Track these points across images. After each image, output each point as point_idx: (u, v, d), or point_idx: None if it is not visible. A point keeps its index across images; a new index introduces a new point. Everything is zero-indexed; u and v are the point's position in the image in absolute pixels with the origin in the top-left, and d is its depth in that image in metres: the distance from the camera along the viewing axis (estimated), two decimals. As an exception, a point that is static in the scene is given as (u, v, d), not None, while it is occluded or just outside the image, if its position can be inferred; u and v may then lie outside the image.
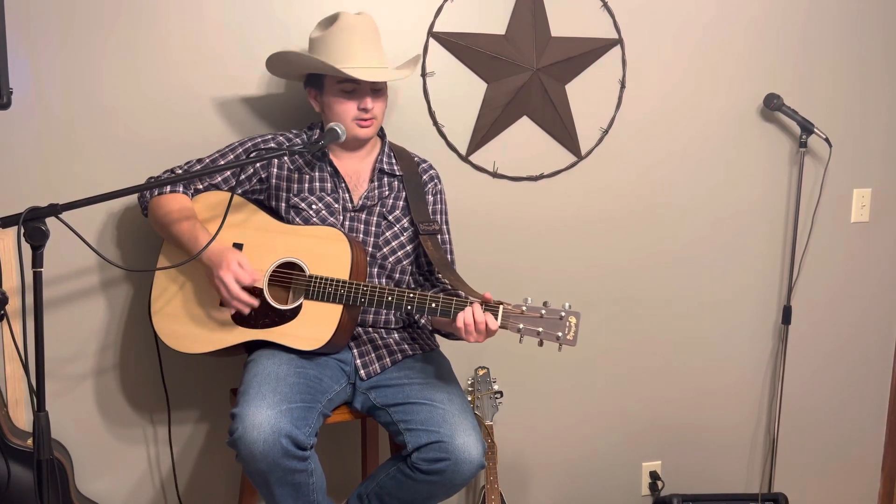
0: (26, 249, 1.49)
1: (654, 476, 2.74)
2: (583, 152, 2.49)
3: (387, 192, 2.02)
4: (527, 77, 2.37)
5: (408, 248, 2.02)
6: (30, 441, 1.97)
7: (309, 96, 2.01)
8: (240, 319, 1.89)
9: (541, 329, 1.72)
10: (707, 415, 2.77)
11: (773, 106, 2.58)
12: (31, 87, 2.02)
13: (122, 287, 2.17)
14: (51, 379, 2.11)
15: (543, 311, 1.72)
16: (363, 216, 1.99)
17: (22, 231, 1.49)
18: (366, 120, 1.94)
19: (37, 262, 1.49)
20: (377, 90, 1.96)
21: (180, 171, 1.97)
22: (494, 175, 2.42)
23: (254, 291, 1.86)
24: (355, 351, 1.96)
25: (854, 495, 2.99)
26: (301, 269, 1.86)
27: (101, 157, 2.10)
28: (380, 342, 1.98)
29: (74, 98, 2.06)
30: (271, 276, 1.88)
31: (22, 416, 2.11)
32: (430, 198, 2.08)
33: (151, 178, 1.99)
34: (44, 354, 1.51)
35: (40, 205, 1.52)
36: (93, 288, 2.15)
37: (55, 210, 1.52)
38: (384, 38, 2.13)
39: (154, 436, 2.27)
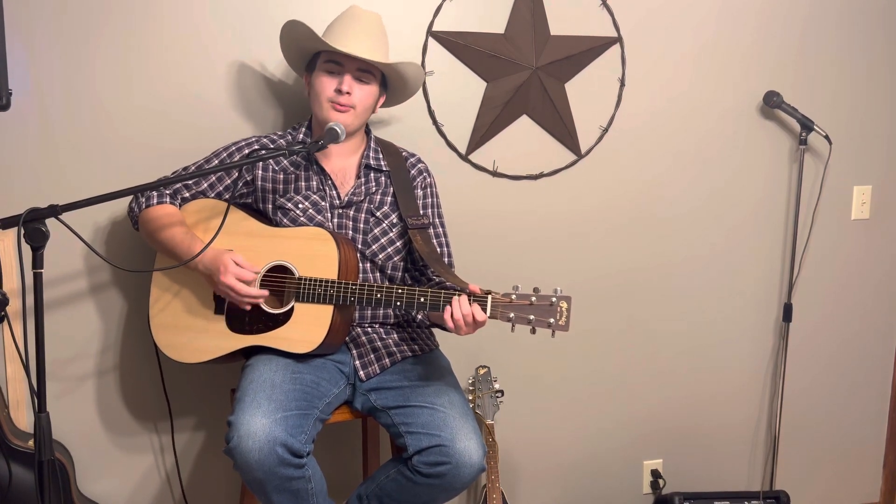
0: (26, 251, 1.49)
1: (655, 474, 2.74)
2: (583, 151, 2.48)
3: (374, 188, 2.01)
4: (526, 76, 2.37)
5: (398, 243, 2.00)
6: (31, 442, 1.97)
7: (304, 82, 2.01)
8: (234, 326, 1.89)
9: (532, 316, 1.67)
10: (708, 413, 2.77)
11: (772, 103, 2.58)
12: (31, 88, 2.02)
13: (122, 288, 2.17)
14: (52, 380, 2.11)
15: (534, 298, 1.67)
16: (351, 212, 1.97)
17: (22, 232, 1.49)
18: (342, 104, 1.91)
19: (37, 263, 1.48)
20: (362, 80, 1.93)
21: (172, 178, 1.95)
22: (494, 174, 2.42)
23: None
24: (354, 352, 1.96)
25: (856, 493, 2.99)
26: (291, 272, 1.86)
27: (101, 157, 2.10)
28: (378, 343, 1.97)
29: (73, 99, 2.06)
30: (262, 281, 1.88)
31: (23, 418, 2.11)
32: (420, 192, 2.06)
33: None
34: (44, 356, 1.51)
35: (40, 206, 1.52)
36: (93, 289, 2.15)
37: (55, 211, 1.52)
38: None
39: (155, 436, 2.27)
